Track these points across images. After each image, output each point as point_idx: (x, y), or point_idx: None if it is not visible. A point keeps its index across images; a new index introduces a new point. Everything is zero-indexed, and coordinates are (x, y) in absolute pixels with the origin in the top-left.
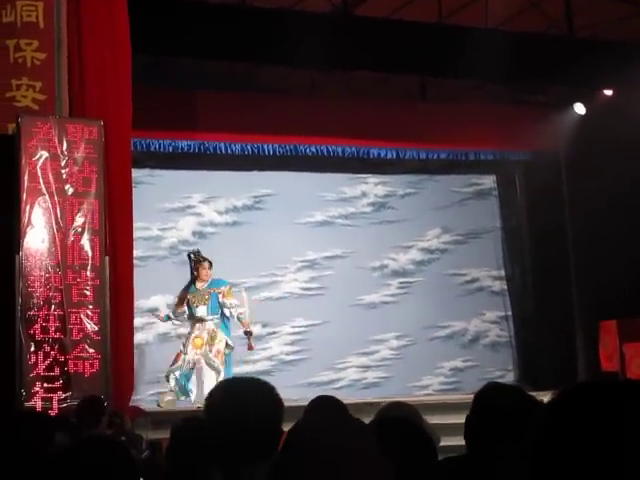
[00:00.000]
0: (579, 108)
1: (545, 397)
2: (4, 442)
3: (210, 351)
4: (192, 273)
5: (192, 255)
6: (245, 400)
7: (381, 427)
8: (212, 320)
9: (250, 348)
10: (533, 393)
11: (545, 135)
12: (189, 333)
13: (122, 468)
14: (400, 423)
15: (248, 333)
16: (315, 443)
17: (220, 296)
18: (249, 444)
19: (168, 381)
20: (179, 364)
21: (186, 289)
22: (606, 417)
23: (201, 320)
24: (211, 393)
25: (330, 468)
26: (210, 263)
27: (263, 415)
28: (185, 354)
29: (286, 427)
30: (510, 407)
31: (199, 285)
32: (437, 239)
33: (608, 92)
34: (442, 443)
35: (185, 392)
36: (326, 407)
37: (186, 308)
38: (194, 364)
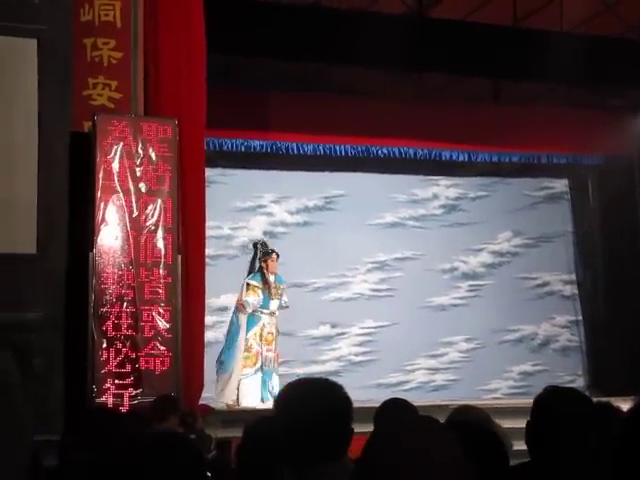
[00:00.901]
0: None
1: (616, 403)
2: (80, 437)
3: (275, 350)
4: (254, 263)
5: (259, 245)
6: (313, 399)
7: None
8: (275, 317)
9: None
10: (603, 399)
11: (619, 139)
12: (256, 327)
13: (190, 465)
14: (471, 427)
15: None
16: (397, 449)
17: (284, 293)
18: (319, 444)
19: (237, 387)
20: (258, 364)
21: (257, 279)
22: None
23: (272, 314)
24: (280, 393)
25: (415, 473)
26: (278, 255)
27: (332, 414)
28: (261, 353)
29: (355, 428)
30: (570, 410)
31: (270, 278)
32: (508, 242)
33: None
34: (514, 448)
35: (269, 394)
36: (398, 410)
37: (259, 299)
38: (269, 361)
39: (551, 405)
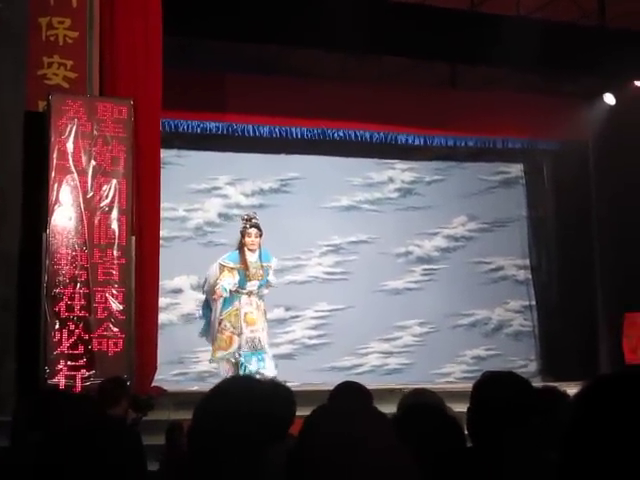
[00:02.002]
0: (609, 99)
1: (567, 388)
2: (30, 419)
3: (263, 329)
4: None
5: (243, 220)
6: (255, 387)
7: (407, 414)
8: (257, 296)
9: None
10: (555, 384)
11: (574, 125)
12: (230, 307)
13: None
14: (426, 409)
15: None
16: (331, 434)
17: (270, 272)
18: (262, 428)
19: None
20: (234, 347)
21: (232, 259)
22: (636, 407)
23: (249, 294)
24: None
25: (346, 459)
26: (260, 231)
27: (275, 399)
28: (239, 334)
29: (310, 410)
30: (507, 394)
31: (250, 257)
32: (463, 227)
33: (638, 83)
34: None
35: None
36: (350, 393)
37: (234, 281)
38: (254, 343)
39: (489, 390)
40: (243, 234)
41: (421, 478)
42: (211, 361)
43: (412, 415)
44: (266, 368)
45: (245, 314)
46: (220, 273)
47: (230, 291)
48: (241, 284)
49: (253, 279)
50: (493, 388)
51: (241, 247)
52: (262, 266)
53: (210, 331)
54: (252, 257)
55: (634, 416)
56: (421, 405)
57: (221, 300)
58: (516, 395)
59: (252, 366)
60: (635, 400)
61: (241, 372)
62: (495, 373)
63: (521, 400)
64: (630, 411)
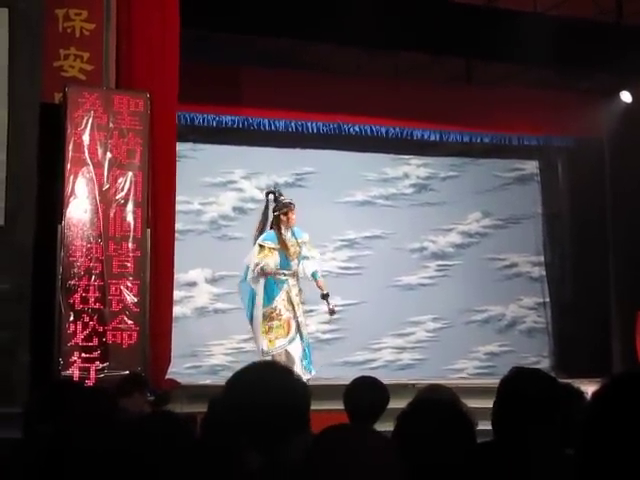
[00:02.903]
0: (625, 96)
1: (581, 385)
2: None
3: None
4: (266, 217)
5: (275, 194)
6: (270, 379)
7: (421, 409)
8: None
9: (332, 312)
10: (568, 380)
11: (590, 122)
12: (282, 292)
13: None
14: (440, 405)
15: (326, 295)
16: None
17: (305, 248)
18: (277, 426)
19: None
20: (292, 332)
21: (271, 239)
22: None
23: (294, 275)
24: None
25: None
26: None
27: (290, 391)
28: (296, 318)
29: (323, 405)
30: (535, 390)
31: (286, 234)
32: (477, 223)
33: None
34: (479, 427)
35: (311, 364)
36: (366, 389)
37: (276, 261)
38: (303, 328)
39: (517, 386)
40: (280, 212)
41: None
42: (266, 354)
43: (422, 410)
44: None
45: (296, 296)
46: (258, 254)
47: (274, 274)
48: (284, 266)
49: (293, 258)
50: (520, 384)
51: (277, 226)
52: (298, 243)
53: (258, 322)
54: (287, 235)
55: None
56: (431, 400)
57: (267, 286)
58: (542, 391)
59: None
60: None
61: (304, 361)
62: (523, 369)
63: (547, 397)
64: None
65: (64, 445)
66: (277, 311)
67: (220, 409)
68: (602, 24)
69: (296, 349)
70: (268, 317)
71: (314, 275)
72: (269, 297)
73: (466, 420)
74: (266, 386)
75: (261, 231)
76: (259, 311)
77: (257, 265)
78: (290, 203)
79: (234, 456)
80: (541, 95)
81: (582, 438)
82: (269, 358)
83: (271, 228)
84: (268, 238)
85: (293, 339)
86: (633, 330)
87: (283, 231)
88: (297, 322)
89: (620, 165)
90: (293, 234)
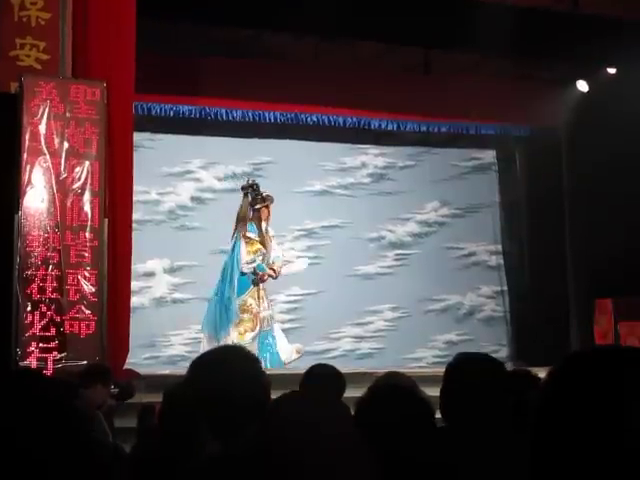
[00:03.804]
0: (582, 85)
1: (539, 373)
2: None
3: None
4: (246, 210)
5: (252, 188)
6: (231, 365)
7: (375, 394)
8: None
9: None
10: (527, 369)
11: (547, 111)
12: (254, 286)
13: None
14: (394, 390)
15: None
16: (289, 419)
17: (274, 242)
18: (237, 416)
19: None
20: (257, 327)
21: (253, 231)
22: (608, 383)
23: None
24: (196, 360)
25: (301, 443)
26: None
27: (250, 379)
28: (261, 311)
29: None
30: (481, 374)
31: (265, 228)
32: (435, 212)
33: (611, 70)
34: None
35: (277, 358)
36: (324, 376)
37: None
38: (268, 321)
39: (462, 370)
40: (262, 205)
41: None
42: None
43: (381, 396)
44: (279, 345)
45: (262, 289)
46: (249, 247)
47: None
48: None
49: (268, 252)
50: (466, 369)
51: (258, 219)
52: (270, 237)
53: (230, 313)
54: (265, 229)
55: (607, 392)
56: (390, 386)
57: (240, 279)
58: (489, 376)
59: (277, 340)
60: (608, 375)
61: (264, 353)
62: (468, 354)
63: (494, 381)
64: (603, 387)
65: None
66: (247, 304)
67: (181, 394)
68: (559, 13)
69: (256, 345)
70: (241, 309)
71: (276, 259)
72: (241, 290)
73: (425, 406)
74: (228, 372)
75: (239, 225)
76: (239, 301)
77: (250, 263)
78: (269, 196)
79: (193, 443)
80: (498, 85)
81: (536, 417)
82: None
83: (250, 221)
84: (252, 230)
85: (258, 334)
86: (591, 318)
87: (263, 225)
88: (260, 317)
89: (576, 154)
90: (266, 228)
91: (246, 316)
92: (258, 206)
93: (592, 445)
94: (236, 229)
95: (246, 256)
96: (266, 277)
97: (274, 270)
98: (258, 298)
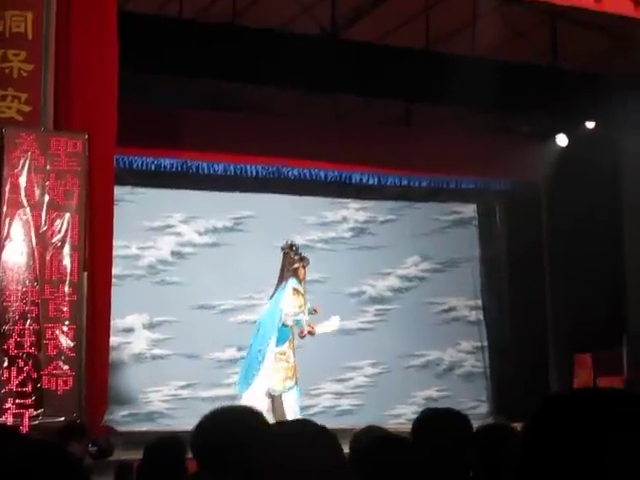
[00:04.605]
0: (561, 139)
1: (519, 427)
2: None
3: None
4: (286, 270)
5: (291, 249)
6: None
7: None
8: None
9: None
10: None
11: (527, 165)
12: (291, 336)
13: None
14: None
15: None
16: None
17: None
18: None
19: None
20: (295, 377)
21: (300, 286)
22: (588, 423)
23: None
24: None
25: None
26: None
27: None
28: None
29: None
30: (444, 428)
31: (302, 286)
32: (415, 267)
33: (590, 124)
34: None
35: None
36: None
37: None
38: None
39: (427, 424)
40: (300, 265)
41: None
42: (273, 393)
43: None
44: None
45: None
46: (295, 298)
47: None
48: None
49: (304, 309)
50: (429, 422)
51: (297, 278)
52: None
53: (266, 361)
54: (301, 287)
55: (588, 432)
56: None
57: (281, 329)
58: (452, 429)
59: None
60: (586, 417)
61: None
62: (434, 409)
63: (456, 434)
64: (581, 427)
65: None
66: (286, 355)
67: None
68: (538, 68)
69: (294, 394)
70: (279, 358)
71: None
72: (282, 340)
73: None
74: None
75: (279, 284)
76: (272, 351)
77: (294, 315)
78: (305, 258)
79: None
80: (479, 138)
81: (518, 460)
82: (277, 396)
83: (293, 277)
84: (297, 284)
85: (296, 383)
86: (571, 373)
87: (300, 283)
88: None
89: (556, 208)
90: (304, 287)
91: (284, 365)
92: (296, 266)
93: None
94: (280, 283)
95: (293, 308)
96: (305, 333)
97: (312, 327)
98: (293, 350)
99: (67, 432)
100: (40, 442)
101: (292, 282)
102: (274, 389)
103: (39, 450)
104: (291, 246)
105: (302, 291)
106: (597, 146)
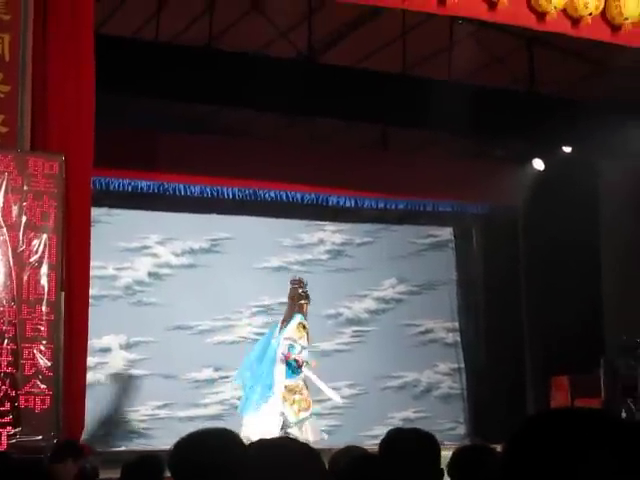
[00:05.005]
0: (538, 164)
1: (497, 449)
2: None
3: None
4: (293, 304)
5: (301, 286)
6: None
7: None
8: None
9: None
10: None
11: (503, 189)
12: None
13: None
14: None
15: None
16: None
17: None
18: None
19: (300, 430)
20: (311, 408)
21: (303, 326)
22: (568, 442)
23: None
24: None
25: None
26: None
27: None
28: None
29: None
30: (408, 447)
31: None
32: (392, 289)
33: (567, 149)
34: None
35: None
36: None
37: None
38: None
39: (392, 444)
40: (307, 300)
41: None
42: (290, 425)
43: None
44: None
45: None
46: (299, 329)
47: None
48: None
49: (310, 343)
50: (394, 442)
51: (302, 313)
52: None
53: (278, 393)
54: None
55: (566, 452)
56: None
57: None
58: (416, 447)
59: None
60: (567, 436)
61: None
62: (400, 429)
63: (419, 452)
64: (562, 446)
65: None
66: (300, 387)
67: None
68: (515, 92)
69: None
70: (292, 390)
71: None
72: (294, 372)
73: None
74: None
75: (288, 317)
76: (282, 383)
77: (293, 341)
78: (309, 296)
79: None
80: (456, 163)
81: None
82: (294, 428)
83: (297, 312)
84: (302, 319)
85: (312, 413)
86: (548, 395)
87: (305, 318)
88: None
89: (533, 232)
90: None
91: (298, 397)
92: (302, 302)
93: None
94: (289, 316)
95: (293, 333)
96: (301, 363)
97: (305, 362)
98: (304, 381)
99: (64, 450)
100: (23, 461)
101: (299, 317)
102: (289, 421)
103: (22, 469)
104: (300, 282)
105: (307, 327)
106: (574, 170)
